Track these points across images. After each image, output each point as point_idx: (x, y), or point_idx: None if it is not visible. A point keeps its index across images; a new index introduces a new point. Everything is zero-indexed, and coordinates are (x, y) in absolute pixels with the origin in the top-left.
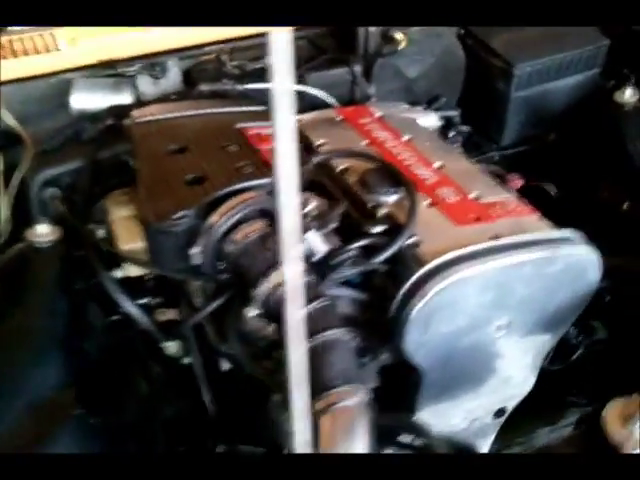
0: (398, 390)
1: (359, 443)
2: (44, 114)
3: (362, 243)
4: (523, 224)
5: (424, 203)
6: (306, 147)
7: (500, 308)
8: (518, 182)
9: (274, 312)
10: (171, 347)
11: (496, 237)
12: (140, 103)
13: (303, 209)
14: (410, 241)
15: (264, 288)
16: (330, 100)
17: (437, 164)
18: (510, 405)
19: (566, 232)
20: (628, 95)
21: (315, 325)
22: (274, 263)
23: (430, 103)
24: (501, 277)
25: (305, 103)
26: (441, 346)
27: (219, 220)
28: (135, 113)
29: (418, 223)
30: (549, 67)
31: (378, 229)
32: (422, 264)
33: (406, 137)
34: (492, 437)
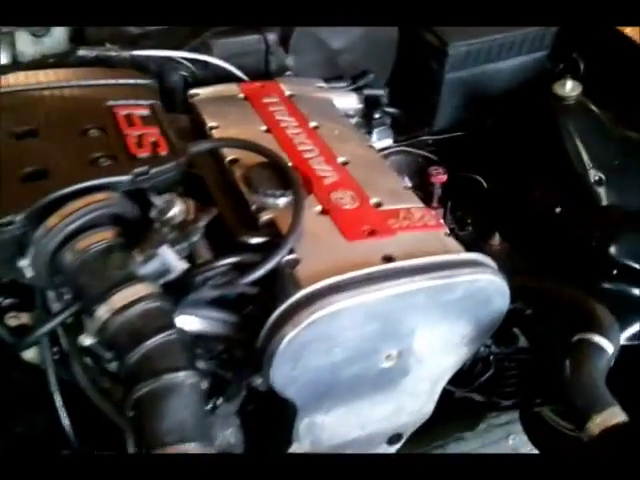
0: (274, 419)
1: None
2: None
3: (228, 261)
4: (425, 242)
5: (315, 209)
6: (197, 129)
7: (388, 339)
8: (442, 177)
9: (112, 343)
10: (28, 353)
11: (389, 259)
12: (16, 64)
13: (163, 215)
14: (288, 258)
15: (101, 314)
16: (237, 72)
17: (341, 159)
18: (406, 432)
19: (472, 255)
20: (569, 88)
21: (153, 364)
22: (117, 283)
23: (356, 79)
24: (389, 307)
25: (209, 74)
26: (316, 380)
27: (53, 228)
28: None
29: (303, 235)
30: (489, 48)
31: (255, 240)
32: (297, 288)
33: (313, 123)
34: None
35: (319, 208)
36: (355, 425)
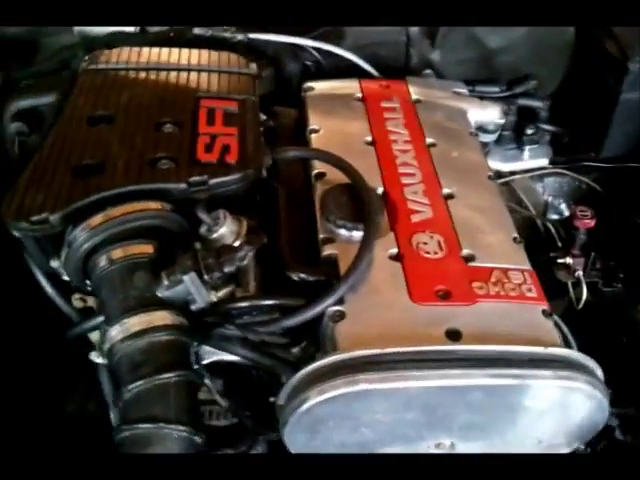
0: None
1: None
2: None
3: (262, 302)
4: (510, 320)
5: (388, 252)
6: (301, 128)
7: (435, 429)
8: (588, 222)
9: (115, 371)
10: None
11: (454, 335)
12: (142, 34)
13: (210, 234)
14: (334, 309)
15: (112, 335)
16: (364, 66)
17: (447, 190)
18: None
19: (564, 352)
20: None
21: (140, 409)
22: (134, 306)
23: (512, 84)
24: (435, 398)
25: (338, 64)
26: (343, 450)
27: (93, 229)
28: (89, 57)
29: (363, 284)
30: None
31: (305, 277)
32: (332, 348)
33: (429, 140)
34: None
35: (394, 251)
36: None
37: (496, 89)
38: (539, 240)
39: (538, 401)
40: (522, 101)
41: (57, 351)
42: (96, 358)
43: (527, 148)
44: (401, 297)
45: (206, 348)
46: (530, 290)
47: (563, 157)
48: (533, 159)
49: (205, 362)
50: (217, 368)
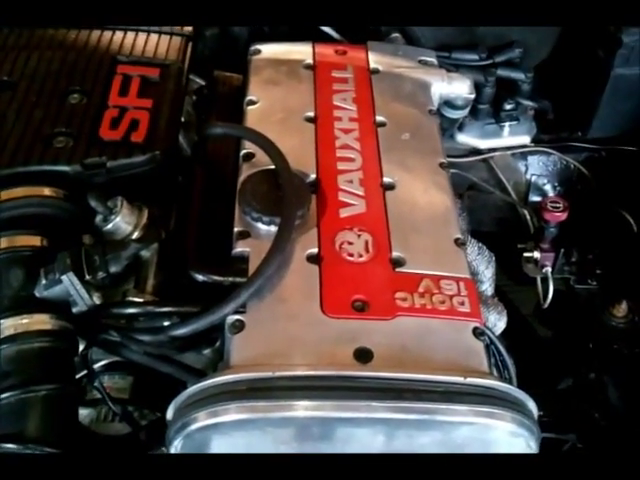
0: None
1: None
2: None
3: (148, 309)
4: (434, 340)
5: (305, 252)
6: (237, 98)
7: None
8: (559, 215)
9: None
10: None
11: (363, 355)
12: None
13: (104, 225)
14: (233, 319)
15: None
16: (325, 28)
17: (387, 179)
18: None
19: (495, 385)
20: None
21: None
22: (5, 308)
23: (494, 52)
24: (326, 430)
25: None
26: None
27: None
28: None
29: (270, 289)
30: None
31: (205, 279)
32: (225, 363)
33: (379, 118)
34: None
35: (314, 251)
36: None
37: (475, 57)
38: (515, 225)
39: (452, 439)
40: (502, 72)
41: None
42: None
43: (506, 124)
44: (311, 307)
45: (96, 351)
46: (462, 304)
47: (548, 135)
48: (514, 136)
49: (98, 365)
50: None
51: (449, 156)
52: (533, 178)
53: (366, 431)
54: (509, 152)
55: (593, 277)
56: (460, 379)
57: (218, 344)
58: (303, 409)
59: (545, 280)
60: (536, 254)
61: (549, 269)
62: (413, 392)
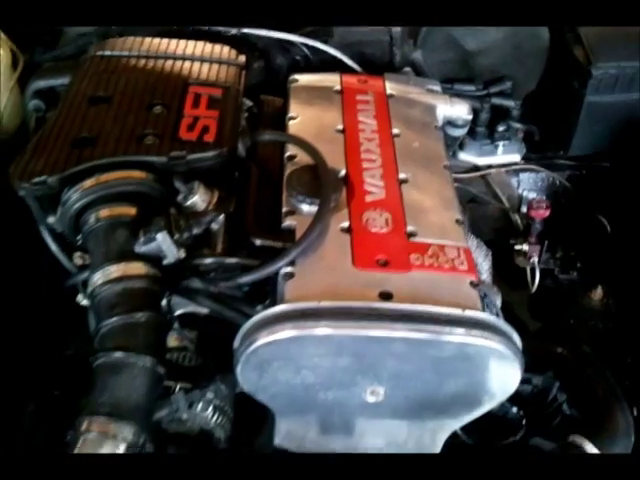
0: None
1: None
2: None
3: (221, 260)
4: (439, 287)
5: (340, 225)
6: (281, 118)
7: (367, 376)
8: (543, 212)
9: (95, 310)
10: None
11: (386, 296)
12: None
13: (185, 201)
14: (285, 270)
15: (94, 280)
16: (348, 62)
17: (402, 175)
18: None
19: (479, 315)
20: None
21: (112, 340)
22: (114, 256)
23: (488, 84)
24: (362, 347)
25: (326, 59)
26: (290, 395)
27: (83, 191)
28: (98, 45)
29: (313, 250)
30: (636, 74)
31: (262, 243)
32: (281, 302)
33: (395, 130)
34: None
35: (345, 225)
36: (345, 447)
37: (473, 88)
38: (510, 230)
39: (453, 356)
40: (495, 100)
41: (59, 302)
42: (82, 301)
43: (500, 144)
44: (345, 262)
45: (177, 300)
46: (462, 264)
47: (535, 154)
48: (506, 154)
49: (177, 313)
50: (191, 321)
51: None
52: (524, 192)
53: (388, 348)
54: (503, 169)
55: (574, 269)
56: (460, 311)
57: (268, 301)
58: (342, 328)
59: (533, 269)
60: (525, 247)
61: (536, 259)
62: (424, 319)
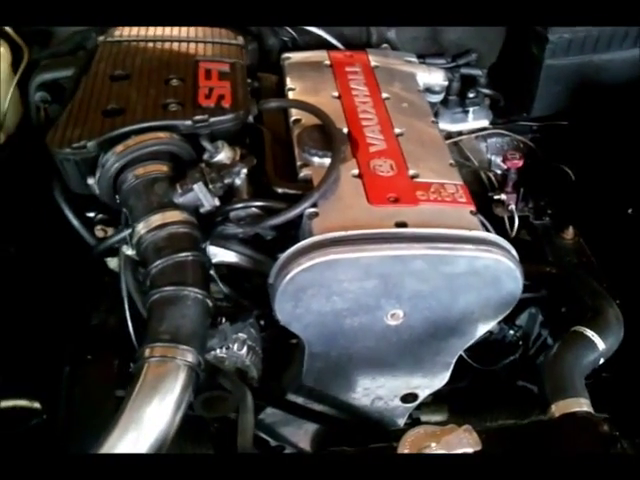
0: (288, 355)
1: (164, 402)
2: None
3: (252, 203)
4: (445, 215)
5: (351, 172)
6: (280, 89)
7: (389, 297)
8: (517, 162)
9: (142, 256)
10: (112, 262)
11: (401, 225)
12: None
13: (212, 158)
14: (310, 211)
15: (139, 229)
16: (333, 41)
17: (398, 130)
18: (421, 394)
19: (483, 234)
20: None
21: (166, 277)
22: (155, 207)
23: (456, 57)
24: (386, 267)
25: (311, 41)
26: (321, 323)
27: (119, 154)
28: (105, 33)
29: (331, 193)
30: (597, 37)
31: (285, 191)
32: (309, 237)
33: (384, 95)
34: (403, 419)
35: (356, 172)
36: (364, 373)
37: (442, 61)
38: (486, 190)
39: (464, 272)
40: (464, 70)
41: (85, 274)
42: (128, 251)
43: (470, 110)
44: (361, 201)
45: (213, 250)
46: (461, 197)
47: (501, 119)
48: (476, 120)
49: (213, 262)
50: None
51: None
52: (492, 157)
53: (409, 266)
54: (473, 135)
55: (546, 215)
56: (466, 232)
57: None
58: (368, 251)
59: (511, 217)
60: (503, 196)
61: (513, 206)
62: (438, 238)
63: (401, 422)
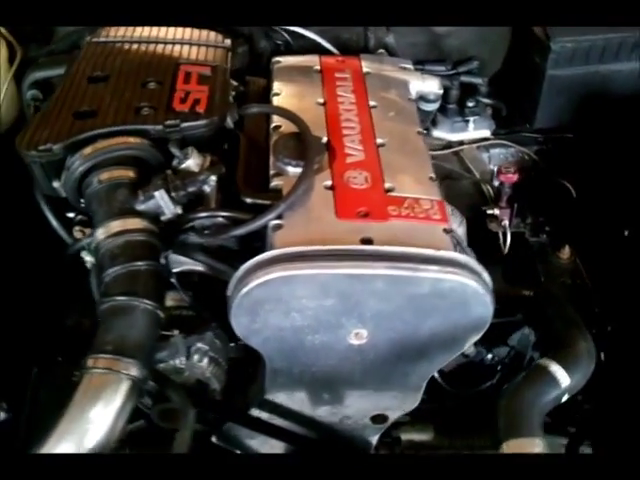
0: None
1: (103, 412)
2: None
3: (215, 213)
4: (414, 233)
5: (324, 184)
6: (265, 93)
7: (351, 317)
8: (511, 177)
9: (99, 262)
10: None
11: (367, 241)
12: None
13: (180, 164)
14: (274, 223)
15: (98, 235)
16: (327, 45)
17: (380, 140)
18: (392, 415)
19: (451, 255)
20: None
21: (117, 286)
22: (115, 213)
23: (457, 64)
24: (345, 286)
25: (305, 44)
26: (280, 339)
27: (85, 157)
28: (93, 34)
29: (300, 205)
30: (602, 47)
31: (252, 201)
32: (270, 249)
33: (372, 102)
34: (375, 437)
35: (329, 183)
36: (330, 394)
37: (442, 68)
38: (485, 203)
39: (429, 293)
40: (464, 78)
41: (59, 275)
42: (87, 257)
43: (470, 119)
44: (328, 214)
45: (175, 258)
46: (436, 214)
47: (504, 129)
48: (477, 130)
49: (174, 271)
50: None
51: None
52: (495, 167)
53: (370, 286)
54: (475, 145)
55: (543, 233)
56: (433, 252)
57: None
58: (327, 268)
59: (504, 232)
60: (496, 211)
61: (506, 222)
62: (401, 258)
63: (373, 440)
